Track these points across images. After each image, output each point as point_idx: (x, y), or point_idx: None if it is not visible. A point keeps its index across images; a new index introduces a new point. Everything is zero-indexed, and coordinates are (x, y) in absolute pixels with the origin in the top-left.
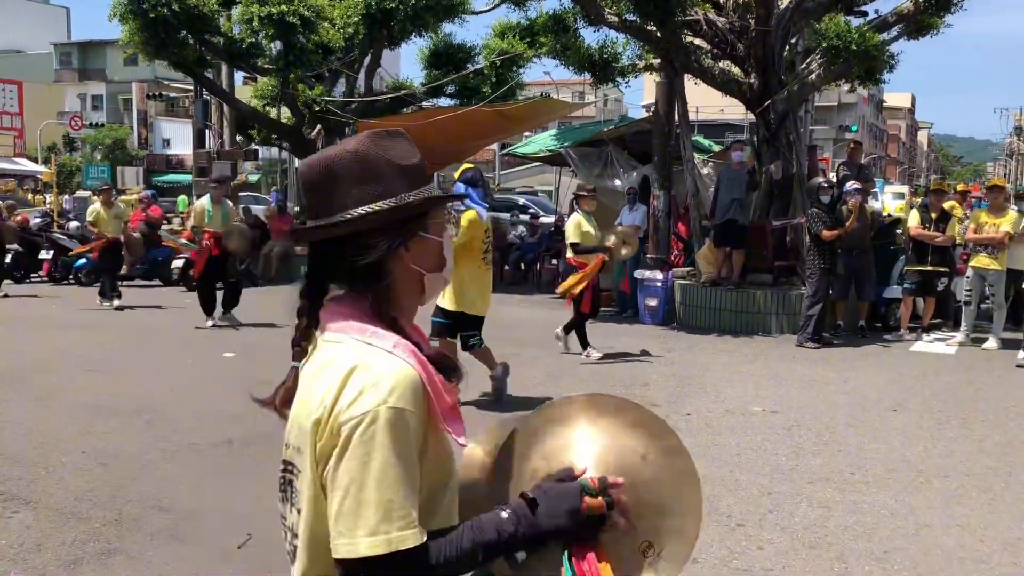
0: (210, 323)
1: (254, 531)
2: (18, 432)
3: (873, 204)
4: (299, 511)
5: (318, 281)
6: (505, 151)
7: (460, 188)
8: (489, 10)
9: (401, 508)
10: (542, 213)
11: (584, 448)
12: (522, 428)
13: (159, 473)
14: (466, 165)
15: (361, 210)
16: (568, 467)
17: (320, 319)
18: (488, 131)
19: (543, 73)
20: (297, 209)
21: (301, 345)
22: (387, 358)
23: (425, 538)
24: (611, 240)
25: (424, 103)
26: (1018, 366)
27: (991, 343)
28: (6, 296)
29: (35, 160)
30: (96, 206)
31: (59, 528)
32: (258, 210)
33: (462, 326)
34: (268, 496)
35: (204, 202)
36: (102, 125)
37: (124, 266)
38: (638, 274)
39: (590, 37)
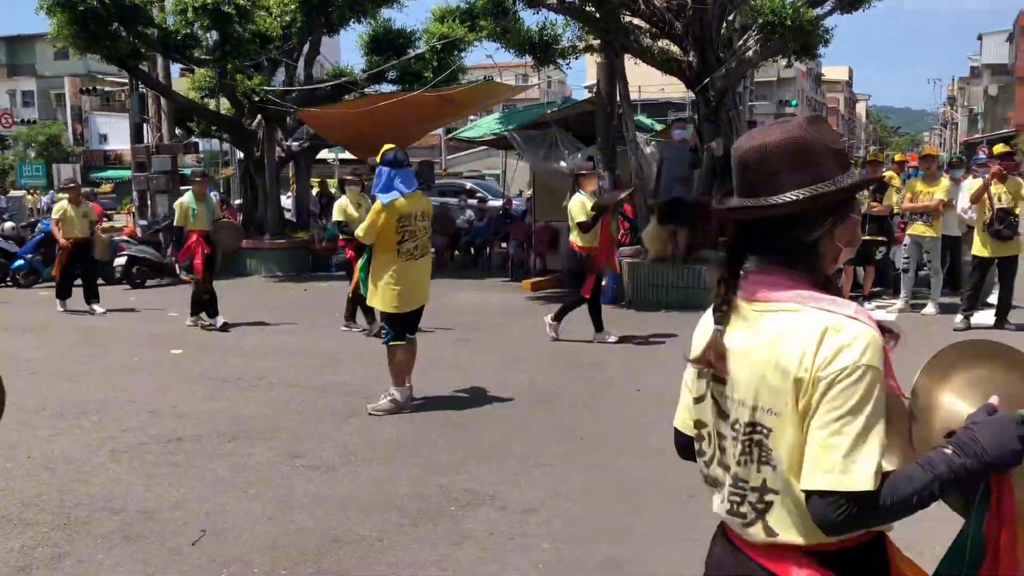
0: (221, 320)
1: (207, 527)
2: None
3: None
4: (774, 467)
5: (739, 254)
6: (450, 135)
7: (382, 172)
8: None
9: (875, 455)
10: (490, 197)
11: (988, 387)
12: (925, 375)
13: (108, 474)
14: (387, 146)
15: (808, 191)
16: (990, 403)
17: (744, 288)
18: (431, 116)
19: (485, 56)
20: (239, 202)
21: (723, 311)
22: (854, 322)
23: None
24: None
25: (366, 90)
26: (955, 330)
27: (929, 308)
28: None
29: None
30: (63, 204)
31: (6, 535)
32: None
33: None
34: (221, 492)
35: (187, 200)
36: (34, 122)
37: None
38: None
39: (530, 19)
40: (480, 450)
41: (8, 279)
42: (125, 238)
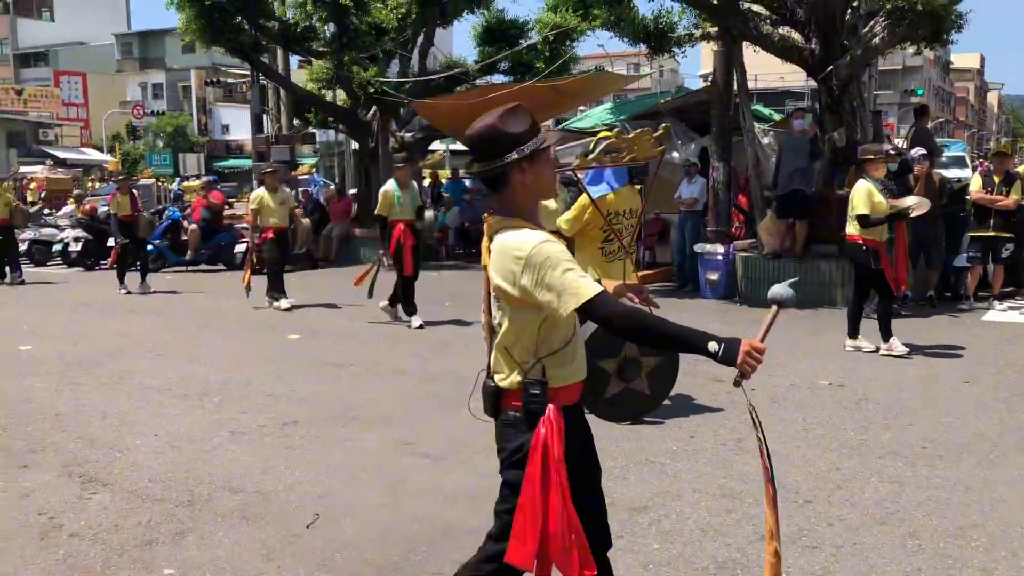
0: (418, 322)
1: (321, 511)
2: (95, 415)
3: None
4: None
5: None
6: (560, 126)
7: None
8: None
9: None
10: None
11: None
12: None
13: (228, 455)
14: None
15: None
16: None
17: None
18: (543, 106)
19: (597, 46)
20: (354, 191)
21: None
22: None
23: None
24: (907, 201)
25: (478, 81)
26: None
27: None
28: (129, 293)
29: (100, 149)
30: (260, 191)
31: (135, 509)
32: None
33: None
34: (334, 476)
35: (391, 187)
36: (163, 113)
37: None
38: (699, 248)
39: (644, 7)
40: (611, 454)
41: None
42: (245, 226)
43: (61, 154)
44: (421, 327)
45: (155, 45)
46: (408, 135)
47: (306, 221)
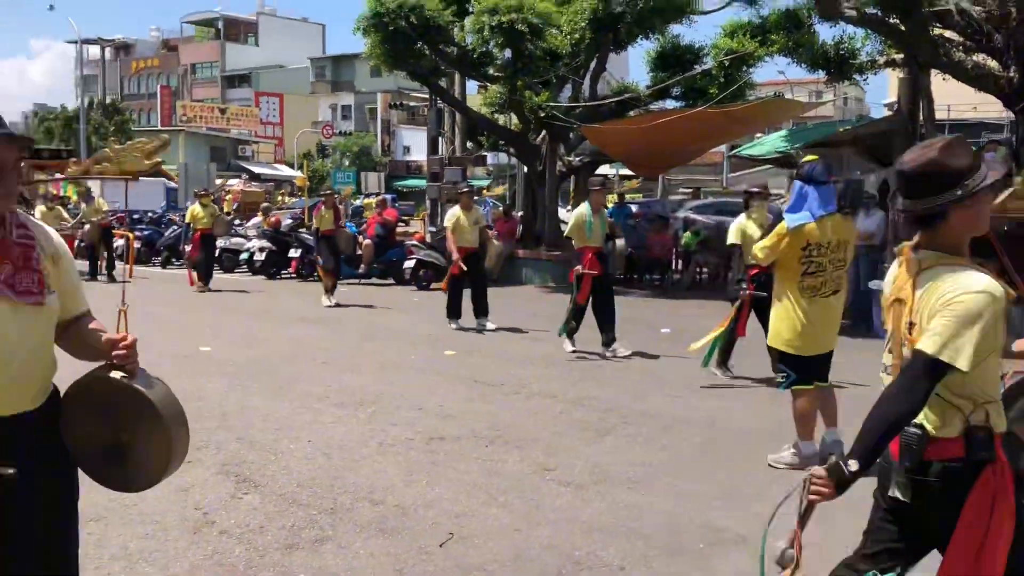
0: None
1: (456, 530)
2: (257, 418)
3: None
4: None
5: None
6: (733, 152)
7: (796, 187)
8: (718, 9)
9: None
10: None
11: None
12: None
13: (374, 466)
14: (808, 157)
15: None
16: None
17: None
18: (715, 133)
19: (777, 72)
20: (520, 213)
21: None
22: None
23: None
24: None
25: (650, 106)
26: None
27: None
28: (337, 305)
29: (291, 166)
30: (455, 211)
31: (281, 512)
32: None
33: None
34: (473, 495)
35: (583, 211)
36: (350, 133)
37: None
38: (874, 285)
39: (825, 33)
40: (740, 488)
41: (315, 275)
42: (415, 243)
43: (256, 169)
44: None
45: (346, 69)
46: (576, 159)
47: (498, 243)
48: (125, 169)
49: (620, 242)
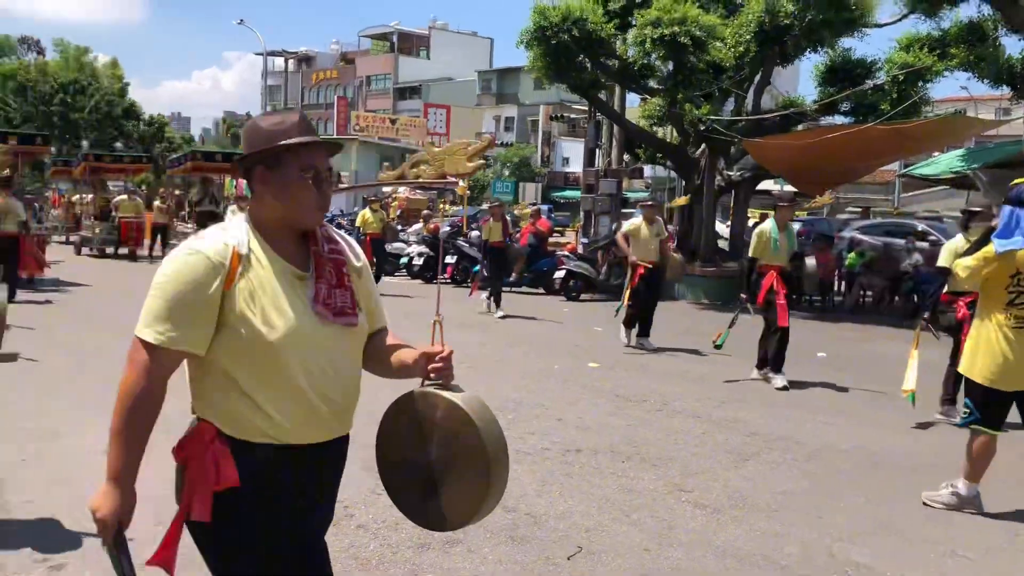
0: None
1: (585, 544)
2: None
3: None
4: None
5: None
6: (905, 171)
7: (1006, 211)
8: (894, 22)
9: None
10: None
11: None
12: None
13: (509, 474)
14: (1017, 180)
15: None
16: None
17: None
18: (885, 151)
19: (960, 88)
20: (673, 228)
21: None
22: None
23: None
24: None
25: (822, 121)
26: None
27: None
28: (505, 317)
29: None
30: (637, 220)
31: None
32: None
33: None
34: (605, 510)
35: (768, 228)
36: (511, 144)
37: (513, 274)
38: None
39: (1012, 47)
40: (889, 524)
41: (469, 281)
42: (566, 253)
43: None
44: (785, 388)
45: (511, 82)
46: (736, 174)
47: (677, 255)
48: (446, 171)
49: (811, 261)
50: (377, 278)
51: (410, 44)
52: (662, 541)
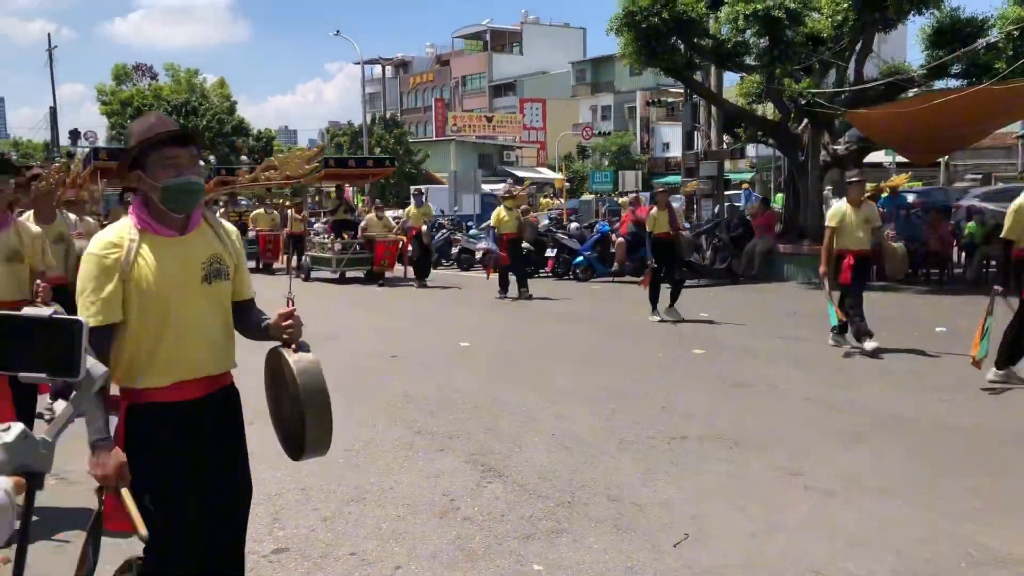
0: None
1: (691, 531)
2: (505, 410)
3: None
4: None
5: None
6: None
7: None
8: None
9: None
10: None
11: None
12: None
13: (612, 462)
14: None
15: None
16: None
17: None
18: (1001, 112)
19: None
20: (777, 206)
21: None
22: None
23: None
24: None
25: (935, 85)
26: None
27: None
28: (662, 321)
29: (553, 168)
30: (841, 205)
31: (521, 502)
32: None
33: None
34: (712, 497)
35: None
36: (609, 134)
37: (616, 264)
38: None
39: None
40: (1005, 500)
41: (570, 273)
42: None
43: (520, 173)
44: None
45: (606, 70)
46: (842, 147)
47: (898, 245)
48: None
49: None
50: (523, 282)
51: (503, 41)
52: (770, 526)
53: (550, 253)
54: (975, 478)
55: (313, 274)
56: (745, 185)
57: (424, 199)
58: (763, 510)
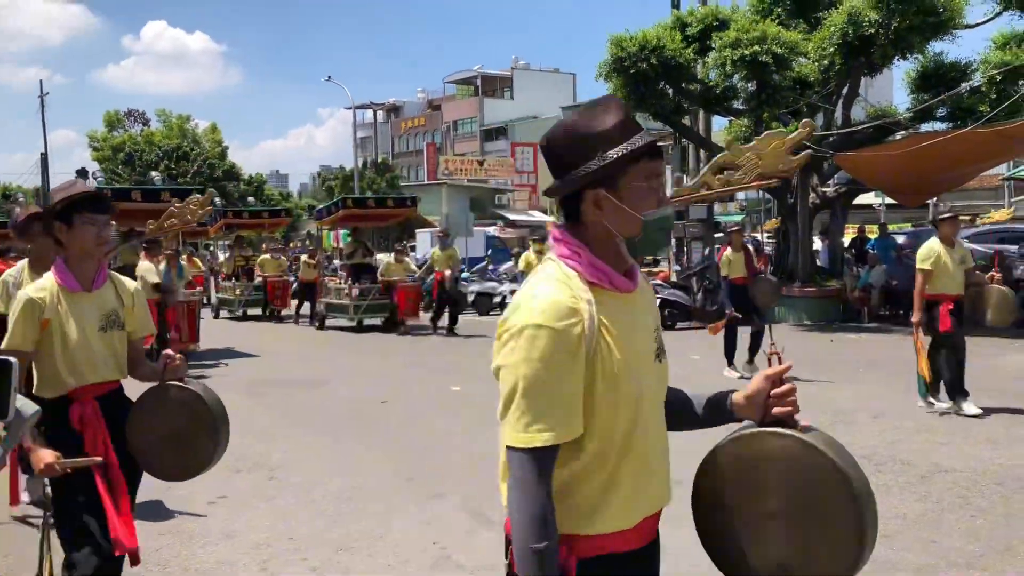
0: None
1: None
2: (498, 455)
3: None
4: None
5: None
6: (1010, 174)
7: None
8: (987, 21)
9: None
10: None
11: None
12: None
13: None
14: None
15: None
16: None
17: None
18: (987, 154)
19: None
20: (769, 249)
21: None
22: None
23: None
24: None
25: (921, 127)
26: None
27: None
28: (741, 377)
29: (545, 212)
30: (933, 244)
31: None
32: None
33: None
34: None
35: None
36: None
37: None
38: None
39: None
40: (1003, 544)
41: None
42: (659, 282)
43: (512, 216)
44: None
45: None
46: (831, 190)
47: (1003, 287)
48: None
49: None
50: None
51: (494, 86)
52: None
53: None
54: (970, 521)
55: (329, 322)
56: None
57: (451, 241)
58: None
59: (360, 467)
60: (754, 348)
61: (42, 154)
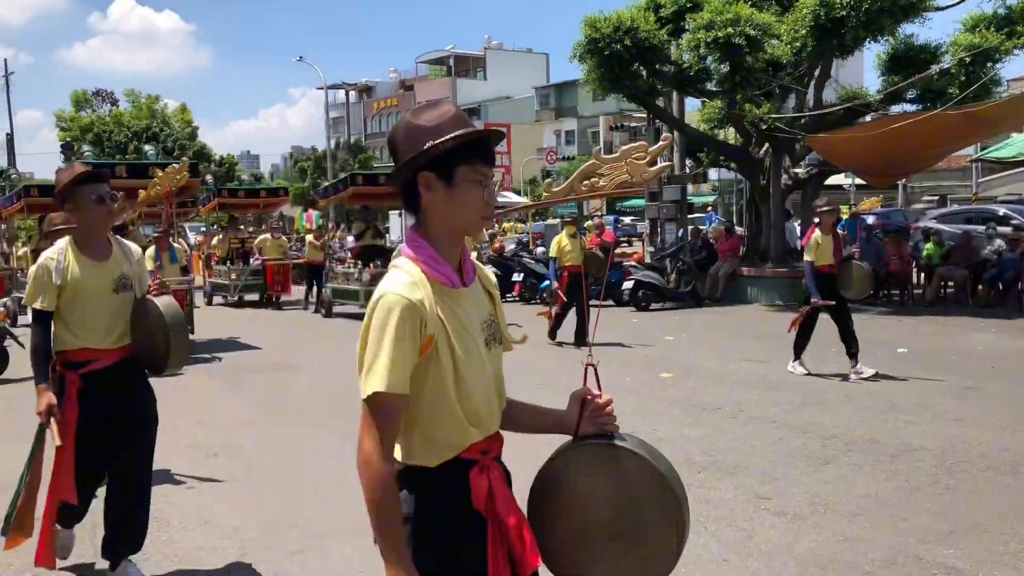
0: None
1: None
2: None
3: None
4: None
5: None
6: (978, 156)
7: None
8: (957, 3)
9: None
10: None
11: None
12: None
13: None
14: None
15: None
16: None
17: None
18: (956, 136)
19: None
20: (740, 230)
21: None
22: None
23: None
24: None
25: (891, 109)
26: None
27: None
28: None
29: (518, 193)
30: (816, 236)
31: None
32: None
33: None
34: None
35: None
36: (573, 158)
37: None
38: None
39: None
40: (971, 521)
41: (537, 297)
42: (633, 264)
43: None
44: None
45: (569, 95)
46: (803, 171)
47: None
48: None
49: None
50: (581, 331)
51: (467, 66)
52: (741, 551)
53: (517, 278)
54: (939, 499)
55: (336, 308)
56: (710, 207)
57: None
58: (734, 534)
59: (339, 453)
60: (848, 340)
61: (8, 134)
